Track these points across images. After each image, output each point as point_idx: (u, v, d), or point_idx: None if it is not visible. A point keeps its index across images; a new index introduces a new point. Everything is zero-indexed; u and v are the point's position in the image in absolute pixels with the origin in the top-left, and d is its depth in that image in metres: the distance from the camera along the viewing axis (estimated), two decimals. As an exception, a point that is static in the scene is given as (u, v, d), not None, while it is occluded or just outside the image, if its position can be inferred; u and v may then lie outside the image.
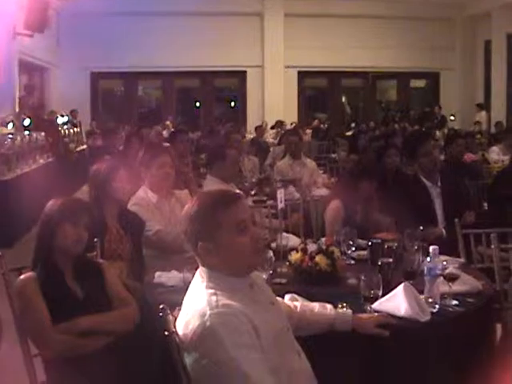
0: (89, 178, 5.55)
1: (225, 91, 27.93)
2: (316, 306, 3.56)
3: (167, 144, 9.56)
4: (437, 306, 3.82)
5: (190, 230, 2.97)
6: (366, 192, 6.14)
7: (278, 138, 15.46)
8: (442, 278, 3.96)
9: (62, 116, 18.44)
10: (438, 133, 19.04)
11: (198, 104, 26.99)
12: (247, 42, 24.79)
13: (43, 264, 3.98)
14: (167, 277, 4.55)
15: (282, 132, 17.49)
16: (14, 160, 11.40)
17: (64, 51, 22.85)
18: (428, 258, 3.94)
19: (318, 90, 28.23)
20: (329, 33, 24.92)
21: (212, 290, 2.89)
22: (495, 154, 13.02)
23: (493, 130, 21.67)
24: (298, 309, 3.51)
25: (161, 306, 3.00)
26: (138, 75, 25.50)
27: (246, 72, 25.62)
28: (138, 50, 23.07)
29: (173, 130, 17.64)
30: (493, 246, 5.01)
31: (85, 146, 15.65)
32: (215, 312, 2.78)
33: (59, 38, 23.03)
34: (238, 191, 6.46)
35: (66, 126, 17.21)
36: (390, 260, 4.22)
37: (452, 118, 25.04)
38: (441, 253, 4.08)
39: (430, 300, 3.83)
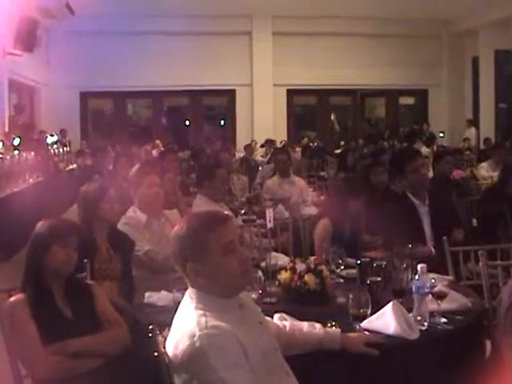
0: (78, 198, 5.55)
1: (214, 110, 27.97)
2: (305, 325, 3.57)
3: (156, 163, 9.57)
4: (426, 324, 3.83)
5: (179, 251, 2.98)
6: (354, 210, 6.16)
7: (268, 157, 15.46)
8: (430, 296, 3.98)
9: (52, 135, 18.43)
10: (426, 149, 19.07)
11: (187, 122, 26.99)
12: (236, 61, 24.85)
13: (33, 285, 3.97)
14: (157, 297, 4.55)
15: (271, 150, 17.51)
16: (3, 179, 11.39)
17: (54, 71, 22.87)
18: (416, 276, 3.95)
19: (307, 108, 28.29)
20: (317, 51, 24.98)
21: (201, 311, 2.90)
22: (484, 170, 13.06)
23: (482, 146, 21.76)
24: (287, 328, 3.52)
25: (150, 327, 3.00)
26: (127, 94, 25.49)
27: (235, 90, 25.65)
28: (128, 69, 23.09)
29: (162, 148, 17.67)
30: (481, 264, 5.02)
31: (74, 166, 15.61)
32: (204, 333, 2.79)
33: (49, 58, 23.06)
34: (226, 211, 6.50)
35: (55, 146, 17.19)
36: (379, 278, 4.23)
37: (441, 134, 25.10)
38: (429, 270, 4.10)
39: (419, 318, 3.84)
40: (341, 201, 6.26)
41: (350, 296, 3.84)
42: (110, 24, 22.69)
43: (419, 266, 3.96)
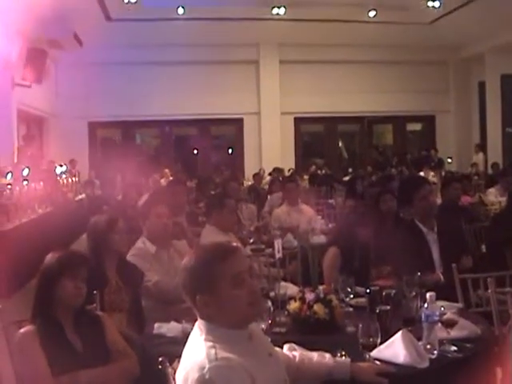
0: (88, 229, 5.57)
1: (222, 138, 27.99)
2: (314, 355, 3.57)
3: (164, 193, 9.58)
4: (435, 353, 3.82)
5: (188, 283, 2.99)
6: (363, 238, 6.16)
7: (268, 185, 15.43)
8: (440, 324, 3.97)
9: (61, 166, 18.46)
10: (434, 175, 19.06)
11: (195, 151, 27.02)
12: (243, 90, 24.92)
13: (42, 317, 3.99)
14: (167, 328, 4.56)
15: (270, 178, 17.54)
16: (12, 210, 11.41)
17: (62, 101, 22.94)
18: (426, 305, 3.95)
19: (315, 136, 28.27)
20: (324, 78, 25.06)
21: (210, 343, 2.91)
22: (493, 195, 13.05)
23: (490, 171, 21.73)
24: (297, 358, 3.52)
25: (160, 359, 3.01)
26: (135, 124, 25.55)
27: (242, 119, 25.69)
28: (136, 99, 23.17)
29: (171, 178, 17.69)
30: (490, 291, 5.02)
31: (83, 196, 15.63)
32: (214, 365, 2.79)
33: (57, 88, 23.16)
34: (235, 241, 6.51)
35: (64, 176, 17.22)
36: (388, 307, 4.23)
37: (449, 160, 25.09)
38: (439, 298, 4.10)
39: (429, 346, 3.83)
40: (349, 229, 6.27)
41: (360, 325, 3.84)
42: (118, 54, 22.83)
43: (428, 294, 3.96)
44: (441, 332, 3.97)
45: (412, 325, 4.12)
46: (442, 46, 24.83)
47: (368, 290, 4.75)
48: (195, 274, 2.97)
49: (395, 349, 3.74)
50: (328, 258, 6.24)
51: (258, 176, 18.92)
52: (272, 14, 21.69)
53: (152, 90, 23.44)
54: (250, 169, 23.53)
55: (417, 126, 28.86)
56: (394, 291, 4.58)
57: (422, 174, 18.84)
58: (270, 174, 21.04)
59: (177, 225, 7.50)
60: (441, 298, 4.33)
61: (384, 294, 4.56)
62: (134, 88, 23.29)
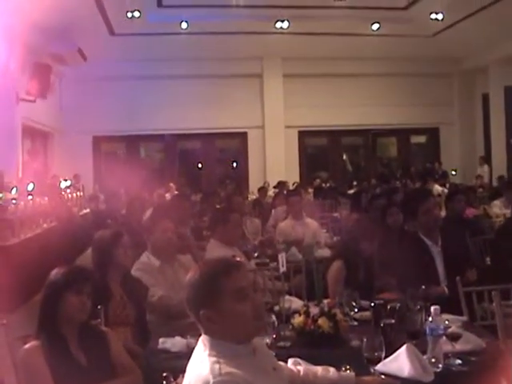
0: (93, 244, 5.58)
1: (226, 152, 27.97)
2: (319, 369, 3.56)
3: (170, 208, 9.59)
4: (440, 366, 3.82)
5: (192, 298, 3.00)
6: (367, 252, 6.16)
7: (272, 199, 15.41)
8: (444, 337, 3.97)
9: (65, 180, 18.48)
10: (439, 188, 19.05)
11: (200, 165, 27.04)
12: (247, 103, 24.96)
13: (47, 332, 3.99)
14: (171, 343, 4.55)
15: (274, 192, 17.53)
16: (17, 225, 11.42)
17: (66, 116, 22.97)
18: (430, 318, 3.95)
19: (319, 149, 28.25)
20: (328, 92, 25.10)
21: (215, 358, 2.91)
22: (497, 207, 13.03)
23: (495, 183, 21.71)
24: (301, 373, 3.52)
25: (164, 374, 3.02)
26: (139, 138, 25.59)
27: (246, 133, 25.72)
28: (140, 113, 23.24)
29: (176, 192, 17.70)
30: (495, 303, 5.01)
31: (88, 210, 15.63)
32: (218, 380, 2.79)
33: (62, 103, 23.19)
34: (240, 255, 6.52)
35: (68, 190, 17.23)
36: (393, 321, 4.23)
37: (453, 172, 25.07)
38: (443, 311, 4.09)
39: (433, 360, 3.83)
40: (354, 242, 6.26)
41: (364, 339, 3.84)
42: (122, 69, 22.87)
43: (433, 308, 3.96)
44: (446, 345, 3.96)
45: (417, 338, 4.12)
46: (446, 58, 24.87)
47: (372, 304, 4.75)
48: (199, 289, 2.98)
49: (400, 362, 3.73)
50: (332, 271, 6.24)
51: (262, 190, 18.90)
52: (275, 28, 21.73)
53: (156, 104, 23.49)
54: (254, 182, 23.55)
55: (421, 139, 28.82)
56: (398, 305, 4.58)
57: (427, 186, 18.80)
58: (274, 187, 21.04)
59: (182, 239, 7.52)
60: (445, 312, 4.32)
61: (388, 307, 4.56)
62: (138, 102, 23.35)
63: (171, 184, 21.36)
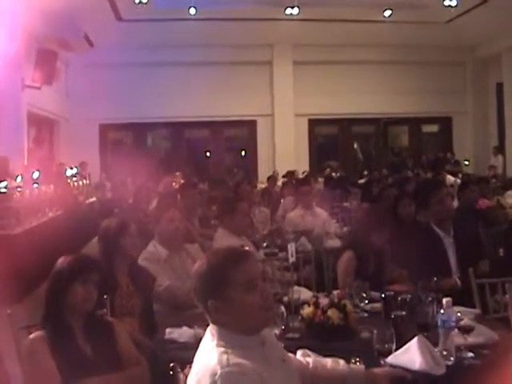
0: (99, 233, 5.59)
1: (235, 141, 27.89)
2: (328, 361, 3.56)
3: (177, 197, 9.59)
4: (452, 359, 3.81)
5: (200, 288, 3.01)
6: (378, 243, 6.15)
7: (281, 188, 15.35)
8: (456, 329, 3.96)
9: (71, 168, 18.49)
10: (451, 178, 19.00)
11: (207, 154, 27.00)
12: (257, 91, 24.90)
13: (52, 322, 4.00)
14: (178, 333, 4.56)
15: (283, 181, 17.48)
16: (22, 213, 11.44)
17: (73, 103, 22.97)
18: (442, 310, 3.94)
19: (329, 138, 28.17)
20: (338, 80, 25.02)
21: (223, 349, 2.91)
22: (511, 198, 12.98)
23: (509, 173, 21.63)
24: (310, 365, 3.51)
25: (171, 364, 3.02)
26: (146, 126, 25.53)
27: (255, 121, 25.67)
28: (147, 101, 23.19)
29: (183, 181, 17.69)
30: (508, 296, 5.00)
31: (94, 199, 15.64)
32: (226, 371, 2.80)
33: (68, 90, 23.19)
34: (248, 245, 6.51)
35: (75, 179, 17.25)
36: (404, 313, 4.22)
37: (466, 162, 24.96)
38: (455, 303, 4.08)
39: (445, 353, 3.82)
40: (365, 233, 6.25)
41: (375, 331, 3.84)
42: (129, 55, 22.84)
43: (445, 300, 3.96)
44: (457, 338, 3.96)
45: (428, 331, 4.11)
46: (459, 46, 24.75)
47: (383, 295, 4.75)
48: (207, 279, 2.98)
49: (411, 355, 3.73)
50: (342, 262, 6.23)
51: (271, 179, 18.83)
52: (286, 15, 21.62)
53: (163, 92, 23.45)
54: (263, 171, 23.52)
55: (433, 128, 28.70)
56: (409, 296, 4.58)
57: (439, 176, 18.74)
58: (283, 176, 21.00)
59: (188, 229, 7.53)
60: (457, 304, 4.31)
61: (399, 299, 4.56)
62: (146, 90, 23.31)
63: (178, 173, 21.35)
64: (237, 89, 24.28)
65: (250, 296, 2.96)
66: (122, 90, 23.10)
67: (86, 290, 4.07)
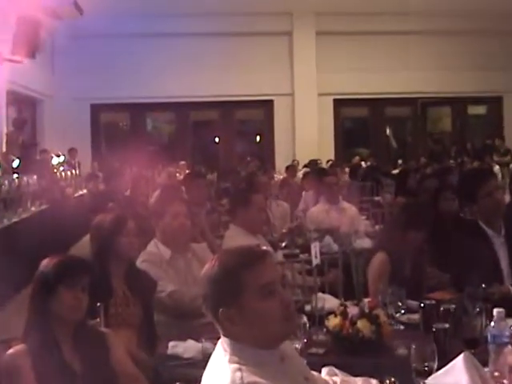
0: (91, 231, 5.60)
1: (248, 124, 27.93)
2: (358, 381, 3.55)
3: (182, 189, 9.59)
4: (505, 382, 3.78)
5: (210, 294, 2.99)
6: (415, 243, 6.14)
7: (302, 179, 15.30)
8: (510, 346, 3.94)
9: (58, 156, 18.55)
10: (500, 169, 18.96)
11: (217, 140, 27.02)
12: (274, 67, 24.88)
13: (36, 334, 3.99)
14: (183, 347, 4.56)
15: (305, 171, 17.45)
16: (1, 208, 11.47)
17: (60, 80, 23.02)
18: (492, 323, 3.91)
19: (358, 121, 28.19)
20: (369, 53, 24.98)
21: (236, 365, 2.90)
22: None
23: None
24: (338, 385, 3.51)
25: (176, 384, 3.02)
26: (146, 107, 25.58)
27: (272, 101, 25.68)
28: (146, 78, 23.22)
29: (188, 171, 17.73)
30: None
31: (85, 191, 15.68)
32: (240, 391, 2.79)
33: (54, 65, 23.24)
34: (265, 245, 6.50)
35: (62, 168, 17.30)
36: (447, 325, 4.20)
37: (518, 150, 24.89)
38: (508, 315, 4.05)
39: (496, 374, 3.79)
40: (400, 231, 6.23)
41: (413, 346, 3.81)
42: (125, 25, 22.85)
43: (495, 310, 3.92)
44: (511, 356, 3.93)
45: (476, 347, 4.09)
46: (512, 14, 24.60)
47: (422, 305, 4.74)
48: (218, 284, 2.97)
49: (456, 376, 3.70)
50: (374, 265, 6.21)
51: (291, 168, 18.87)
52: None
53: (166, 67, 23.49)
54: (281, 160, 23.56)
55: (480, 110, 28.62)
56: (453, 306, 4.56)
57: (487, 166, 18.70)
58: (305, 166, 21.01)
59: (198, 225, 7.53)
60: (510, 316, 4.29)
61: (442, 309, 4.54)
62: (145, 64, 23.35)
63: (182, 162, 21.38)
64: (251, 64, 24.30)
65: (268, 303, 2.94)
66: (117, 65, 23.18)
67: (75, 296, 4.06)
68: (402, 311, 5.04)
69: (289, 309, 3.03)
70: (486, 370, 3.78)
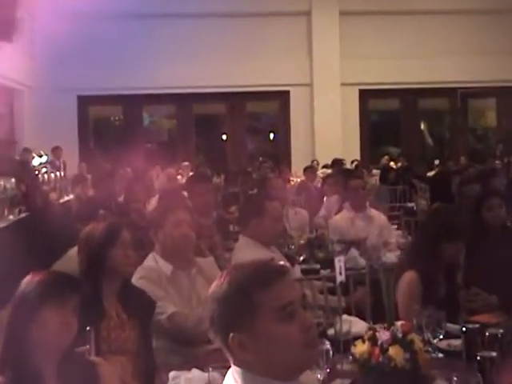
0: (79, 243, 5.60)
1: (261, 119, 27.96)
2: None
3: (185, 194, 9.61)
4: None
5: (218, 316, 2.98)
6: (451, 257, 6.12)
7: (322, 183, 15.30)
8: None
9: (40, 156, 18.60)
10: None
11: (224, 137, 27.04)
12: (290, 52, 24.90)
13: (15, 365, 3.94)
14: (186, 378, 4.56)
15: (326, 173, 17.46)
16: (-27, 217, 11.52)
17: (41, 67, 23.04)
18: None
19: (388, 115, 28.19)
20: (401, 36, 24.98)
21: (248, 399, 2.91)
22: None
23: None
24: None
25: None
26: (142, 99, 25.61)
27: (288, 92, 25.69)
28: (143, 65, 23.26)
29: (191, 174, 17.77)
30: None
31: (71, 197, 15.73)
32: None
33: (34, 50, 23.26)
34: (281, 259, 6.51)
35: (44, 170, 17.34)
36: (494, 353, 4.19)
37: None
38: None
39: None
40: (433, 243, 6.22)
41: (454, 377, 3.82)
42: (118, 3, 22.84)
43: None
44: None
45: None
46: None
47: (464, 329, 4.73)
48: (228, 305, 2.96)
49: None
50: (402, 285, 6.19)
51: (310, 170, 18.87)
52: None
53: (165, 53, 23.52)
54: (298, 160, 23.57)
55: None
56: (501, 331, 4.55)
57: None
58: (325, 167, 21.02)
59: (204, 236, 7.53)
60: None
61: (487, 334, 4.53)
62: (141, 50, 23.38)
63: (185, 162, 21.41)
64: (263, 49, 24.32)
65: (286, 327, 2.93)
66: (108, 50, 23.21)
67: (62, 320, 4.02)
68: (441, 336, 5.03)
69: (310, 334, 3.01)
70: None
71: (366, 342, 4.55)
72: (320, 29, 25.07)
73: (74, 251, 6.02)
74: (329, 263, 7.50)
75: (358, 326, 5.41)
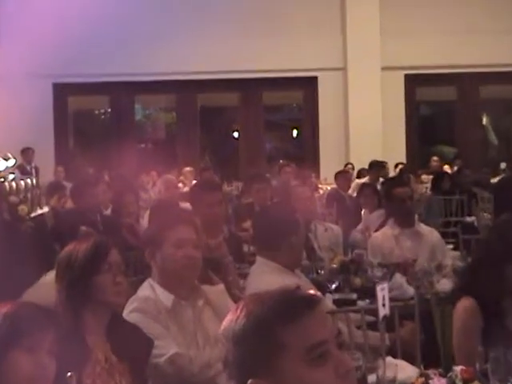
0: (57, 267, 5.60)
1: (282, 112, 27.97)
2: None
3: (188, 206, 9.61)
4: None
5: (234, 359, 2.97)
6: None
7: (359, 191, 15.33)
8: None
9: (6, 159, 18.66)
10: None
11: (236, 134, 27.03)
12: (319, 31, 24.90)
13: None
14: None
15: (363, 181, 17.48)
16: None
17: (8, 50, 23.11)
18: None
19: (441, 107, 28.18)
20: (457, 10, 24.96)
21: None
22: None
23: None
24: None
25: None
26: (134, 87, 25.61)
27: (316, 79, 25.68)
28: (134, 46, 23.30)
29: (195, 181, 17.80)
30: None
31: (46, 209, 15.79)
32: None
33: (1, 30, 23.33)
34: (309, 287, 6.50)
35: (12, 176, 17.41)
36: None
37: None
38: None
39: None
40: (499, 264, 6.19)
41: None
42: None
43: None
44: None
45: None
46: None
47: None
48: (246, 346, 2.94)
49: None
50: (458, 315, 6.17)
51: (343, 176, 18.87)
52: None
53: (162, 32, 23.53)
54: (328, 163, 23.59)
55: None
56: None
57: None
58: (363, 172, 21.01)
59: (213, 258, 7.53)
60: None
61: None
62: (132, 28, 23.44)
63: (188, 168, 21.43)
64: (286, 27, 24.34)
65: (318, 372, 2.91)
66: (91, 29, 23.19)
67: (35, 361, 4.03)
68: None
69: (347, 379, 3.01)
70: None
71: (417, 391, 4.56)
72: (356, 2, 25.08)
73: (49, 277, 6.01)
74: (368, 292, 7.50)
75: (405, 371, 5.41)
